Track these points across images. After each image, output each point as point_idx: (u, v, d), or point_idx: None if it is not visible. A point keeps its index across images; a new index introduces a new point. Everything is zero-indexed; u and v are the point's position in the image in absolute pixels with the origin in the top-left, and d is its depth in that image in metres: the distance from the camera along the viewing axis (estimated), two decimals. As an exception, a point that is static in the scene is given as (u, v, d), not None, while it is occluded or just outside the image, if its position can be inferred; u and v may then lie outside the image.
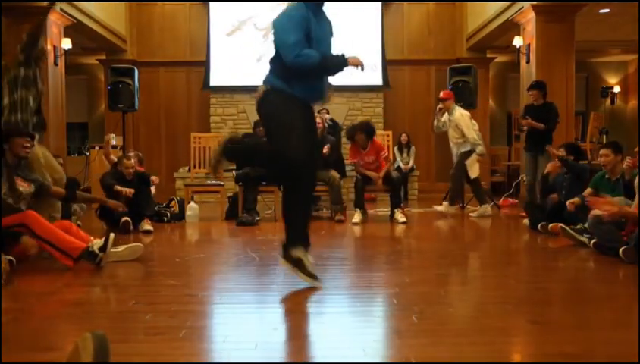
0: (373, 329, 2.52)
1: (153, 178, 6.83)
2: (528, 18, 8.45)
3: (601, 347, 2.17)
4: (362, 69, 3.27)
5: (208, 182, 7.21)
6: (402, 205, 6.88)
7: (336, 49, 3.42)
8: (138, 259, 4.01)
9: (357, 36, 10.78)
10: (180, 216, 6.62)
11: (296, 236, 3.21)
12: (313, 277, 3.16)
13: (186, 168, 8.85)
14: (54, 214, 4.49)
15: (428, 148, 10.94)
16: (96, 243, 3.79)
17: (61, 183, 4.71)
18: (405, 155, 10.00)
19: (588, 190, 4.96)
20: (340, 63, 3.22)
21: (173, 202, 6.88)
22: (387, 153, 6.88)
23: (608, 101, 13.49)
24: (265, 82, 3.26)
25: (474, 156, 7.01)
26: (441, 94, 7.42)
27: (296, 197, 3.24)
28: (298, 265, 3.16)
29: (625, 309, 2.85)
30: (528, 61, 8.58)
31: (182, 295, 3.08)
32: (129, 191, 5.71)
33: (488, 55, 11.51)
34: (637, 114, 13.14)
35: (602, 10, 9.07)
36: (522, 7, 8.46)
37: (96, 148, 9.36)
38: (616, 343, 2.20)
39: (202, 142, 7.37)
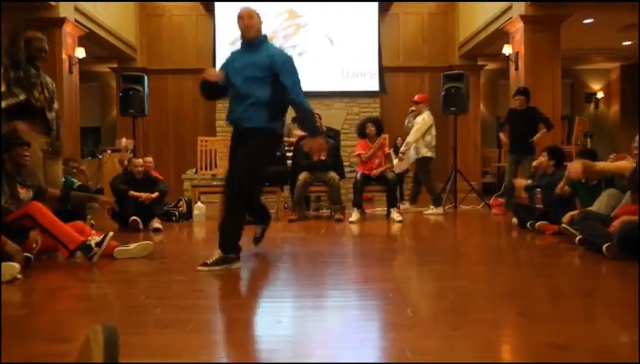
0: (370, 322, 2.53)
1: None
2: (517, 28, 8.46)
3: (584, 338, 2.18)
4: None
5: (214, 183, 7.22)
6: (398, 204, 6.90)
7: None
8: (148, 256, 4.01)
9: (356, 44, 10.82)
10: (188, 215, 6.62)
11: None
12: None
13: (194, 170, 8.84)
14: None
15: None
16: (94, 238, 3.79)
17: (57, 183, 4.60)
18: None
19: (566, 188, 4.99)
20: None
21: (181, 202, 6.88)
22: (387, 151, 6.94)
23: (592, 106, 13.50)
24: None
25: (412, 153, 7.21)
26: (416, 97, 7.58)
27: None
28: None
29: (606, 302, 2.87)
30: (516, 68, 8.59)
31: (190, 290, 3.09)
32: (145, 196, 5.72)
33: (479, 63, 11.51)
34: (619, 119, 13.16)
35: (586, 21, 9.08)
36: (511, 18, 8.48)
37: (108, 151, 9.36)
38: (597, 334, 2.22)
39: (209, 145, 7.37)
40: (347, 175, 7.31)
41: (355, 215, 6.33)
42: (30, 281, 3.23)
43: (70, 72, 8.42)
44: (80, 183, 5.66)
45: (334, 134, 7.89)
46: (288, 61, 3.66)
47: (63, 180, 5.46)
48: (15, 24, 4.39)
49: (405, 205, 7.70)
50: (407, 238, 5.47)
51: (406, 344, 2.09)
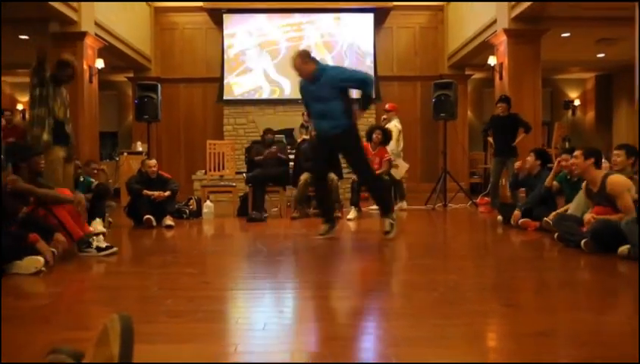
0: (366, 311, 2.51)
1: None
2: (501, 40, 8.46)
3: (566, 326, 2.16)
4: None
5: (222, 183, 7.22)
6: (392, 212, 6.85)
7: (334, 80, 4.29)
8: (160, 251, 3.99)
9: (353, 55, 10.81)
10: (198, 213, 6.60)
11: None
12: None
13: (203, 171, 8.82)
14: None
15: (414, 153, 10.91)
16: (99, 239, 3.89)
17: (70, 182, 4.72)
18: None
19: (555, 184, 4.99)
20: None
21: (191, 201, 6.85)
22: (388, 157, 6.89)
23: (570, 112, 13.52)
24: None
25: (400, 160, 7.34)
26: (387, 106, 7.59)
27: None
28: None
29: (585, 292, 2.85)
30: (501, 78, 8.58)
31: (199, 282, 3.07)
32: (157, 194, 5.70)
33: (467, 72, 11.50)
34: (594, 124, 13.16)
35: (564, 35, 9.09)
36: (496, 31, 8.49)
37: (125, 153, 9.34)
38: (579, 322, 2.19)
39: (217, 148, 7.34)
40: (345, 176, 7.28)
41: (352, 213, 6.31)
42: (52, 274, 3.21)
43: (90, 81, 8.40)
44: (97, 182, 5.64)
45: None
46: (342, 72, 4.56)
47: (82, 180, 5.46)
48: (41, 47, 4.66)
49: (402, 205, 7.56)
50: (401, 234, 5.43)
51: (398, 332, 2.08)
